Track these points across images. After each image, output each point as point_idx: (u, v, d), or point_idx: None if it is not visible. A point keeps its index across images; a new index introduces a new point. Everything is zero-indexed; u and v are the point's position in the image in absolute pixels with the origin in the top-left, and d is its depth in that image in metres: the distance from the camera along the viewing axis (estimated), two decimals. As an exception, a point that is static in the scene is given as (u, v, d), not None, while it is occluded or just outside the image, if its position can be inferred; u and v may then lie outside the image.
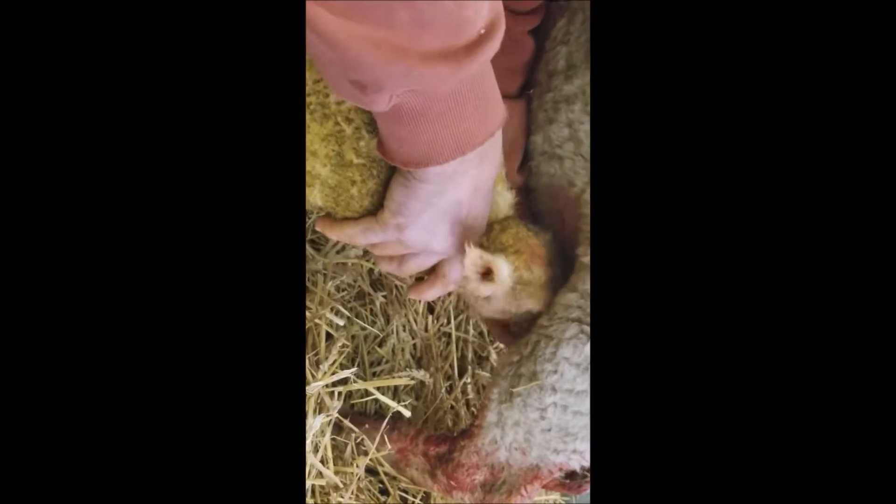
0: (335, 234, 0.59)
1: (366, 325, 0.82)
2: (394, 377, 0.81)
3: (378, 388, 0.75)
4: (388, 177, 0.55)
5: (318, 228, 0.60)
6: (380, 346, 0.84)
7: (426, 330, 0.84)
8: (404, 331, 0.83)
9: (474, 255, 0.57)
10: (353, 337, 0.82)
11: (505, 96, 0.63)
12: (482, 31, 0.42)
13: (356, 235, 0.58)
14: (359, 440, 0.75)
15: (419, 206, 0.53)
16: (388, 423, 0.76)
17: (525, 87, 0.67)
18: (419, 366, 0.84)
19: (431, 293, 0.63)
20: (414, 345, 0.84)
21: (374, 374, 0.83)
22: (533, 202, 0.70)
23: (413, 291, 0.64)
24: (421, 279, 0.64)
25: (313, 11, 0.39)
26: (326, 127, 0.52)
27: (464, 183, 0.53)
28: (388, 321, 0.84)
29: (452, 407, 0.81)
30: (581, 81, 0.60)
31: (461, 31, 0.41)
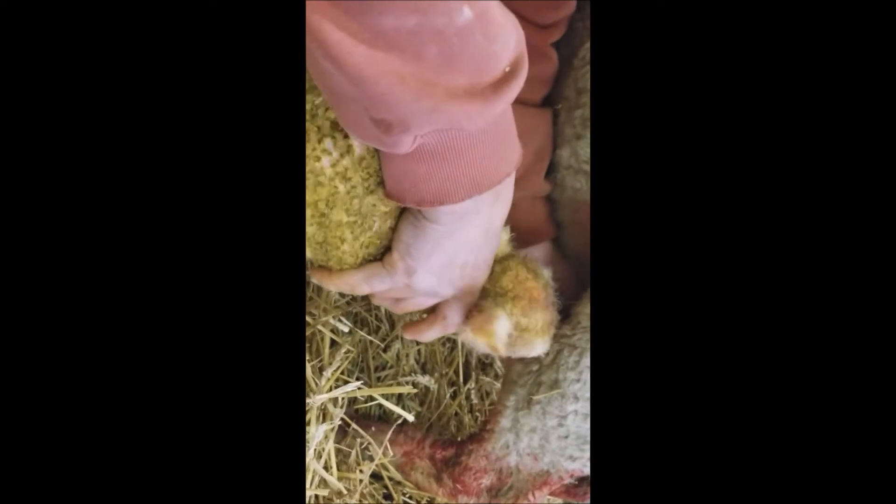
0: (334, 284, 0.56)
1: (366, 336, 0.82)
2: (398, 382, 0.81)
3: (382, 394, 0.75)
4: (383, 227, 0.53)
5: (314, 281, 0.57)
6: (384, 351, 0.83)
7: (430, 335, 0.84)
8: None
9: (468, 338, 0.57)
10: (359, 342, 0.82)
11: (532, 105, 0.63)
12: (507, 69, 0.41)
13: (358, 284, 0.55)
14: (364, 445, 0.75)
15: (428, 247, 0.51)
16: (393, 428, 0.76)
17: (550, 97, 0.68)
18: (424, 371, 0.84)
19: (429, 335, 0.60)
20: (419, 350, 0.84)
21: (378, 379, 0.82)
22: (555, 213, 0.70)
23: (409, 331, 0.62)
24: (418, 316, 0.63)
25: (339, 45, 0.37)
26: (319, 194, 0.50)
27: (475, 223, 0.51)
28: (392, 327, 0.84)
29: (457, 413, 0.81)
30: None
31: (487, 68, 0.40)
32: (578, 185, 0.65)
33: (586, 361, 0.60)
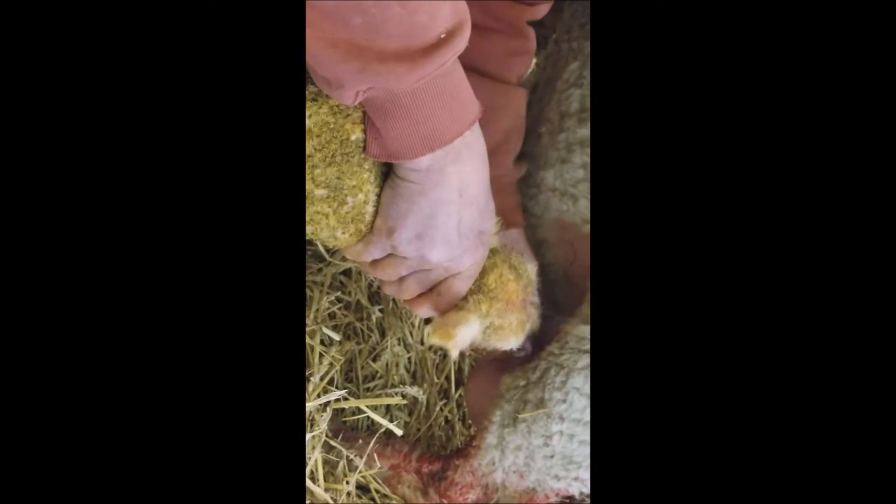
0: (349, 255, 0.60)
1: (354, 347, 0.81)
2: (386, 392, 0.80)
3: (370, 405, 0.75)
4: (358, 203, 0.56)
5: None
6: (374, 360, 0.83)
7: (422, 343, 0.84)
8: (399, 345, 0.83)
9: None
10: (348, 351, 0.81)
11: (503, 82, 0.64)
12: (442, 36, 0.46)
13: (361, 252, 0.59)
14: (350, 458, 0.74)
15: (404, 205, 0.55)
16: (381, 440, 0.75)
17: (524, 79, 0.68)
18: (413, 380, 0.83)
19: (422, 309, 0.62)
20: (409, 358, 0.83)
21: (367, 390, 0.82)
22: (537, 230, 0.71)
23: (408, 302, 0.63)
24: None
25: None
26: None
27: (444, 182, 0.54)
28: (383, 335, 0.83)
29: (447, 420, 0.81)
30: None
31: (416, 35, 0.45)
32: (565, 207, 0.66)
33: (573, 382, 0.59)
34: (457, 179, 0.54)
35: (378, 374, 0.83)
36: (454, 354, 0.60)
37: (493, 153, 0.63)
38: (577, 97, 0.64)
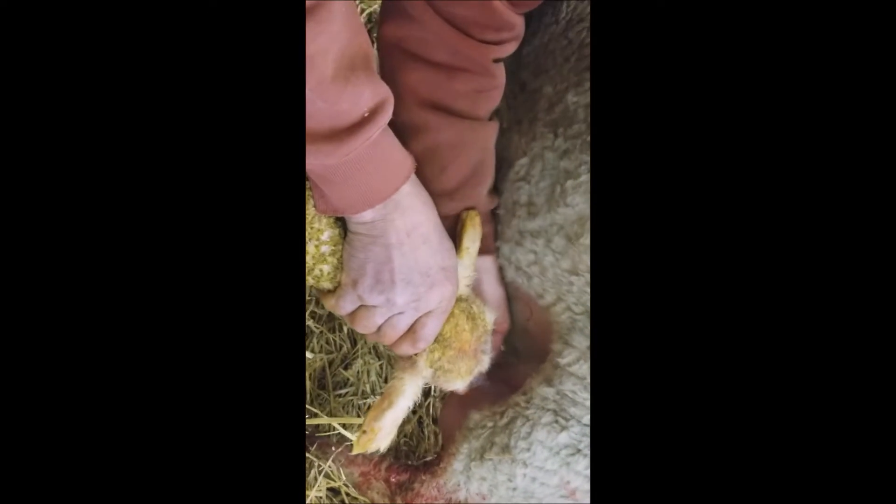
0: (326, 306, 0.64)
1: (324, 357, 0.83)
2: (358, 406, 0.82)
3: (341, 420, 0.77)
4: (309, 249, 0.60)
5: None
6: (346, 368, 0.85)
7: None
8: (370, 353, 0.84)
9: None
10: (320, 360, 0.83)
11: (470, 118, 0.66)
12: (366, 114, 0.52)
13: (335, 305, 0.63)
14: (321, 466, 0.77)
15: (361, 255, 0.60)
16: (349, 450, 0.78)
17: (495, 112, 0.70)
18: (385, 384, 0.85)
19: (401, 348, 0.65)
20: (381, 365, 0.85)
21: (338, 397, 0.84)
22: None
23: (391, 347, 0.65)
24: None
25: None
26: None
27: (391, 228, 0.59)
28: (354, 344, 0.85)
29: (421, 419, 0.84)
30: (542, 222, 0.65)
31: (341, 119, 0.51)
32: (521, 280, 0.68)
33: (537, 435, 0.62)
34: (402, 224, 0.59)
35: (349, 382, 0.85)
36: (383, 446, 0.64)
37: (463, 186, 0.66)
38: (526, 191, 0.66)
